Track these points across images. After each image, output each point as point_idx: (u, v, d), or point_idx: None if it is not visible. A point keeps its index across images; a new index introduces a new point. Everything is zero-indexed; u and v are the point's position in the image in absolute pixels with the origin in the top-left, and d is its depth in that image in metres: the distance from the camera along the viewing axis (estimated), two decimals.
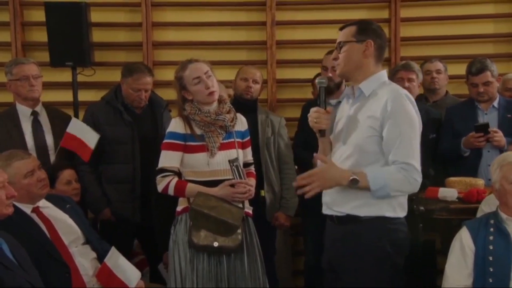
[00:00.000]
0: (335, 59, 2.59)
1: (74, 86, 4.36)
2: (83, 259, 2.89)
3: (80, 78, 4.41)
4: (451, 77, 4.41)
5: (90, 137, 3.57)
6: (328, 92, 2.74)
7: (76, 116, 4.19)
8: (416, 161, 2.39)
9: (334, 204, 2.55)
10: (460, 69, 4.42)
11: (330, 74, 3.62)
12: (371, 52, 2.52)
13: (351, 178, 2.38)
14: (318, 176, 2.41)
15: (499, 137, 3.60)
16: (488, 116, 3.79)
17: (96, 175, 3.70)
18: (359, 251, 2.47)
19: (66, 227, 2.90)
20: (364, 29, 2.54)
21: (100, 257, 2.95)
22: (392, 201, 2.45)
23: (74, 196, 3.33)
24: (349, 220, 2.49)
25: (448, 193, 3.30)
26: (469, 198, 3.23)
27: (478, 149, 3.69)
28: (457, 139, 3.77)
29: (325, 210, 2.62)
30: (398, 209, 2.49)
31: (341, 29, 2.61)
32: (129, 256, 3.49)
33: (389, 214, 2.46)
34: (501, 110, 3.78)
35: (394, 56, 4.67)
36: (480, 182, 3.42)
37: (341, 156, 2.52)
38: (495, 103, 3.81)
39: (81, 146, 3.57)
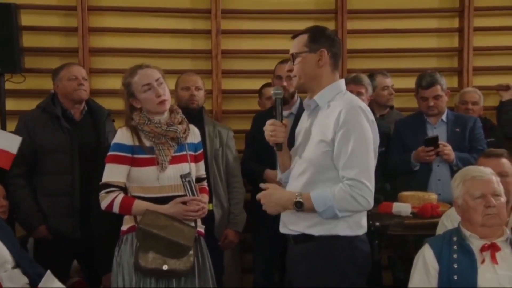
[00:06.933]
0: (290, 70, 2.47)
1: (2, 94, 4.13)
2: (13, 285, 2.70)
3: (9, 85, 4.19)
4: (395, 91, 4.38)
5: (10, 142, 3.30)
6: (283, 103, 2.61)
7: (4, 126, 3.95)
8: (366, 178, 2.24)
9: (289, 222, 2.42)
10: (404, 82, 4.48)
11: (285, 83, 3.48)
12: (325, 61, 2.39)
13: (295, 200, 2.29)
14: (265, 199, 2.38)
15: (449, 150, 3.59)
16: (437, 130, 3.78)
17: (30, 188, 3.40)
18: (316, 272, 2.34)
19: None
20: (317, 37, 2.41)
21: (33, 282, 2.75)
22: (347, 219, 2.31)
23: (0, 214, 3.06)
24: (304, 239, 2.37)
25: (402, 208, 3.26)
26: (423, 213, 3.19)
27: (427, 164, 3.67)
28: (406, 153, 3.73)
29: (282, 229, 2.48)
30: (354, 227, 2.35)
31: (293, 37, 2.47)
32: (66, 278, 3.29)
33: (345, 233, 2.32)
34: (449, 124, 3.79)
35: (340, 69, 4.59)
36: (433, 196, 3.39)
37: (297, 172, 2.41)
38: (444, 117, 3.81)
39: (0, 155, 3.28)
